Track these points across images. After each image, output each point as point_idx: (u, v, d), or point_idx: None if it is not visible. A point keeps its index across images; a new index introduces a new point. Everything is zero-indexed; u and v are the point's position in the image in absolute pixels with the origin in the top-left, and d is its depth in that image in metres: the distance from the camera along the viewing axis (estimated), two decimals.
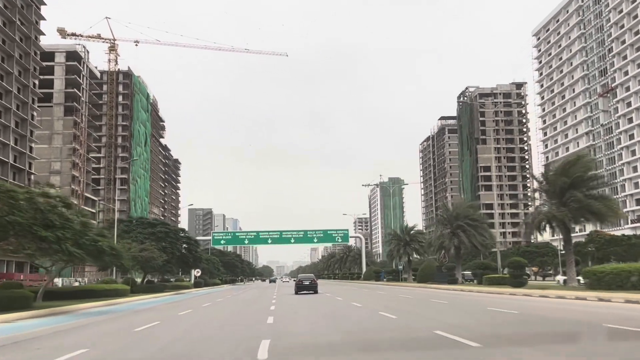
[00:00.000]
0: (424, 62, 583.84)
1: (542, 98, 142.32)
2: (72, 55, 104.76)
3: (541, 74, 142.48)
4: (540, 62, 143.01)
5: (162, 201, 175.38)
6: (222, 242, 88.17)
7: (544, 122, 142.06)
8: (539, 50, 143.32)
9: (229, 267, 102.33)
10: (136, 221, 49.20)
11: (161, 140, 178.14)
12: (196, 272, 69.08)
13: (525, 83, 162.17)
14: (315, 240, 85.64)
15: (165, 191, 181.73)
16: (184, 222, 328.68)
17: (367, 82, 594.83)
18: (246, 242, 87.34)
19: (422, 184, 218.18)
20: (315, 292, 40.64)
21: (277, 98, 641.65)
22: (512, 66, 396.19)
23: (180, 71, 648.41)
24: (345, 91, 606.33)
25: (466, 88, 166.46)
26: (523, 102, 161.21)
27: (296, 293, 40.85)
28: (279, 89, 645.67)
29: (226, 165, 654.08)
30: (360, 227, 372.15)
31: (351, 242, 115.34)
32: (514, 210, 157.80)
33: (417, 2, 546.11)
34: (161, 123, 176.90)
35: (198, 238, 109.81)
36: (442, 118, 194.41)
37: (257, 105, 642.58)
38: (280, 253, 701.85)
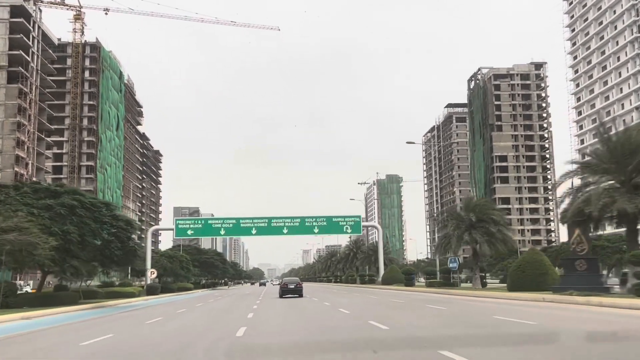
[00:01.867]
0: (425, 57, 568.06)
1: (576, 72, 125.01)
2: (19, 11, 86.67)
3: (574, 43, 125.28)
4: (573, 29, 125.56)
5: (139, 195, 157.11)
6: (190, 232, 62.80)
7: (578, 99, 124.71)
8: (572, 17, 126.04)
9: (207, 267, 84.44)
10: (28, 187, 31.38)
11: (139, 128, 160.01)
12: (151, 274, 51.30)
13: (545, 63, 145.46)
14: (316, 230, 62.50)
15: (144, 184, 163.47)
16: (167, 221, 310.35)
17: (366, 80, 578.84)
18: (222, 232, 62.23)
19: (425, 179, 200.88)
20: (300, 295, 40.95)
21: (274, 97, 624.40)
22: (527, 47, 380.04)
23: (174, 67, 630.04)
24: (344, 90, 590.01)
25: (478, 69, 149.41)
26: (543, 84, 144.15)
27: (280, 297, 40.97)
28: (275, 87, 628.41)
29: (219, 164, 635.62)
30: None
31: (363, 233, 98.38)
32: (533, 205, 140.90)
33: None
34: (139, 108, 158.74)
35: (159, 228, 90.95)
36: (449, 105, 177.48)
37: (253, 104, 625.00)
38: (272, 255, 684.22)
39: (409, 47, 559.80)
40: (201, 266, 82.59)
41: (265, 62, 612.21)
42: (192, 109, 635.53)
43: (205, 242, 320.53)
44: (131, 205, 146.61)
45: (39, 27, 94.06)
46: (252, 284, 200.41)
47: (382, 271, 66.69)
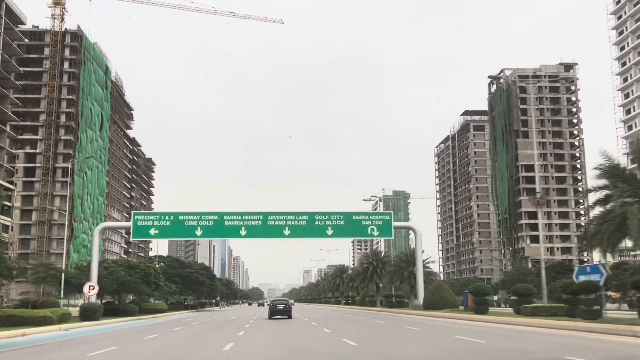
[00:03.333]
0: (437, 68, 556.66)
1: (624, 64, 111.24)
2: None
3: (621, 32, 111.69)
4: (619, 17, 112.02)
5: (127, 205, 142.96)
6: (153, 231, 46.02)
7: (626, 95, 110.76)
8: (617, 3, 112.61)
9: (190, 284, 69.69)
10: None
11: (129, 132, 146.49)
12: (89, 289, 36.67)
13: (576, 64, 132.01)
14: (330, 231, 45.15)
15: (132, 194, 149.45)
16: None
17: (371, 96, 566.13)
18: (199, 231, 44.93)
19: (438, 193, 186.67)
20: (290, 316, 40.92)
21: (276, 113, 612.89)
22: (553, 49, 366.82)
23: (177, 81, 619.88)
24: (349, 106, 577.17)
25: (501, 71, 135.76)
26: (574, 87, 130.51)
27: (270, 317, 40.42)
28: (280, 105, 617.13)
29: (219, 181, 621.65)
30: (359, 247, 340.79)
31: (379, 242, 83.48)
32: (563, 220, 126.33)
33: (427, 11, 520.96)
34: (128, 111, 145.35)
35: (110, 225, 76.57)
36: (466, 113, 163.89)
37: (256, 120, 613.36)
38: (273, 275, 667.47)
39: (418, 58, 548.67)
40: (183, 282, 68.19)
41: (269, 78, 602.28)
42: (192, 124, 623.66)
43: (202, 260, 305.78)
44: (117, 215, 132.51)
45: (5, 3, 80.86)
46: (250, 304, 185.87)
47: (421, 290, 48.87)
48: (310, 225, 45.32)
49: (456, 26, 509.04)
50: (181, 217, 46.06)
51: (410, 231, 59.55)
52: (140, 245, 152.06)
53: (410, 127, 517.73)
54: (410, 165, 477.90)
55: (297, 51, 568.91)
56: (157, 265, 63.48)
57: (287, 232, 44.28)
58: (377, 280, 67.96)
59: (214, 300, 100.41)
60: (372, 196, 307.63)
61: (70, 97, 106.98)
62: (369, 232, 46.94)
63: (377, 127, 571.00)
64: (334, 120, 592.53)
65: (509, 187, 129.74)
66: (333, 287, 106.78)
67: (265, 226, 44.92)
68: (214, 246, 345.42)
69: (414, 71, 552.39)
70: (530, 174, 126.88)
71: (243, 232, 44.32)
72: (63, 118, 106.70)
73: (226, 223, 44.75)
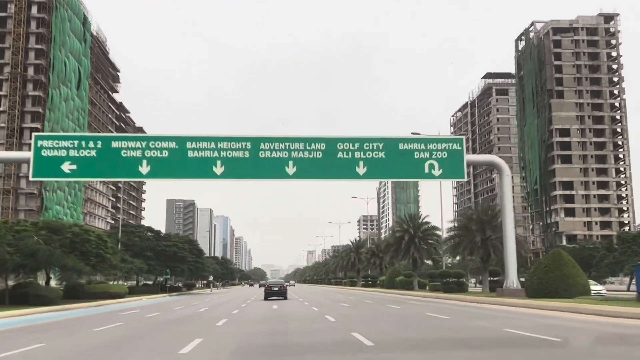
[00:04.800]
0: (447, 49, 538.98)
1: None
2: None
3: None
4: None
5: None
6: (68, 167, 28.07)
7: None
8: None
9: (167, 260, 55.37)
10: None
11: (115, 96, 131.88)
12: None
13: (617, 15, 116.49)
14: (362, 169, 27.31)
15: None
16: (158, 214, 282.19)
17: (383, 78, 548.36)
18: (144, 168, 26.63)
19: None
20: (285, 297, 40.96)
21: (287, 97, 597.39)
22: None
23: (183, 65, 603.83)
24: (360, 90, 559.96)
25: (531, 24, 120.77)
26: (615, 41, 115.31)
27: (265, 299, 40.32)
28: (289, 88, 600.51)
29: None
30: (365, 227, 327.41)
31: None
32: (602, 191, 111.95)
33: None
34: (114, 72, 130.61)
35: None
36: (487, 75, 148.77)
37: (264, 103, 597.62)
38: (277, 255, 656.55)
39: (435, 39, 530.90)
40: (157, 258, 54.20)
41: (277, 60, 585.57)
42: (200, 105, 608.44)
43: (203, 245, 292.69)
44: (100, 187, 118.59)
45: None
46: (251, 285, 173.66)
47: (513, 264, 32.04)
48: (329, 159, 27.33)
49: None
50: (115, 144, 27.63)
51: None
52: (131, 212, 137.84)
53: (421, 109, 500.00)
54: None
55: (308, 34, 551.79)
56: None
57: (291, 169, 26.80)
58: (415, 253, 51.24)
59: (206, 282, 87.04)
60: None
61: (39, 46, 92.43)
62: (427, 169, 28.42)
63: (386, 110, 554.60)
64: (343, 104, 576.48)
65: (540, 155, 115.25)
66: (346, 266, 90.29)
67: (255, 160, 27.15)
68: (214, 225, 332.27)
69: (429, 49, 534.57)
70: (566, 139, 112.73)
71: (219, 170, 26.66)
72: (31, 71, 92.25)
73: (191, 154, 26.77)
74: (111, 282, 45.49)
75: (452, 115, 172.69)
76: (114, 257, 36.74)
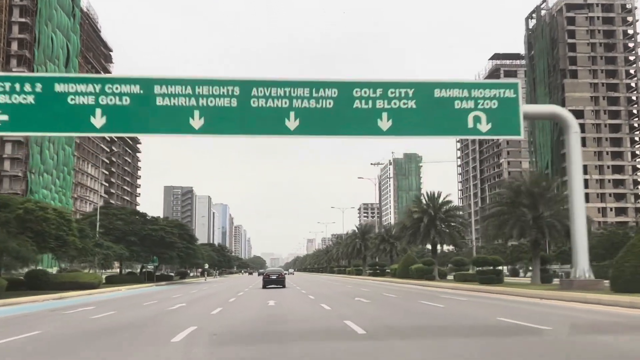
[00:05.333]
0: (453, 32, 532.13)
1: None
2: None
3: None
4: None
5: (106, 161, 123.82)
6: None
7: None
8: None
9: (153, 245, 49.90)
10: None
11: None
12: None
13: None
14: (386, 122, 19.93)
15: (114, 148, 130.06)
16: (156, 201, 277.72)
17: (382, 64, 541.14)
18: (98, 121, 19.40)
19: (459, 151, 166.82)
20: (283, 286, 40.82)
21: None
22: None
23: (184, 51, 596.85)
24: (359, 71, 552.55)
25: (543, 0, 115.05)
26: (631, 18, 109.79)
27: (264, 287, 40.10)
28: (286, 72, 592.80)
29: (220, 147, 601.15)
30: (366, 215, 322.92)
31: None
32: (617, 176, 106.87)
33: None
34: (107, 51, 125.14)
35: None
36: (495, 57, 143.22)
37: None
38: (277, 244, 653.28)
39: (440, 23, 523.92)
40: (142, 244, 49.41)
41: (276, 44, 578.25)
42: None
43: (202, 233, 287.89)
44: (92, 171, 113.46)
45: None
46: (250, 273, 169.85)
47: (582, 249, 25.80)
48: (342, 109, 20.55)
49: None
50: (59, 87, 20.46)
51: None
52: (125, 197, 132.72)
53: None
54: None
55: (305, 19, 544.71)
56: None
57: (292, 123, 20.34)
58: (436, 237, 44.86)
59: (201, 270, 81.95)
60: (378, 163, 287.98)
61: (23, 20, 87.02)
62: (470, 123, 21.67)
63: None
64: None
65: (552, 138, 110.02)
66: (351, 253, 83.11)
67: (245, 110, 20.38)
68: (213, 213, 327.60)
69: (429, 36, 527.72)
70: (579, 120, 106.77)
71: (197, 122, 20.07)
72: (15, 46, 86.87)
73: (160, 102, 20.10)
74: (87, 271, 40.37)
75: None
76: (85, 241, 31.63)
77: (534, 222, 34.14)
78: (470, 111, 19.95)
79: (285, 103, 18.52)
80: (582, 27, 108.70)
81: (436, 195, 46.48)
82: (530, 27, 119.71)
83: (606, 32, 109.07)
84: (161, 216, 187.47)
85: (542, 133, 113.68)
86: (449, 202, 46.38)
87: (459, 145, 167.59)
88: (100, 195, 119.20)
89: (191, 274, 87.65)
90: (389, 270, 60.70)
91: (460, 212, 47.85)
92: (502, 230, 35.31)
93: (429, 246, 50.50)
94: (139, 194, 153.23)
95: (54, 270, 45.29)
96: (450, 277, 48.11)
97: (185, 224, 62.83)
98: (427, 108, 19.13)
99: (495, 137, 27.10)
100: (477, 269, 37.04)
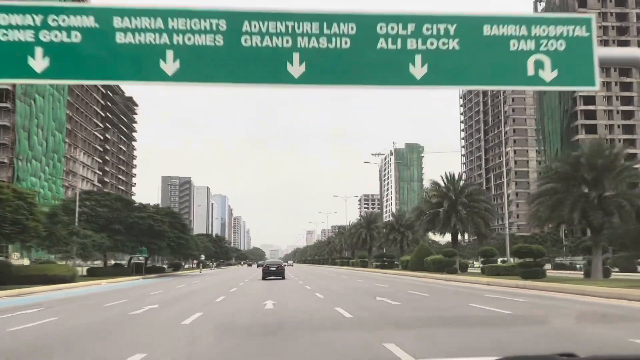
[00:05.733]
0: None
1: None
2: None
3: None
4: None
5: (100, 149, 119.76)
6: None
7: None
8: None
9: (140, 234, 47.04)
10: None
11: None
12: None
13: None
14: (419, 69, 8.12)
15: (107, 136, 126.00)
16: (152, 192, 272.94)
17: None
18: (38, 63, 6.65)
19: (464, 140, 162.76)
20: (283, 277, 40.95)
21: None
22: None
23: None
24: None
25: None
26: None
27: (263, 279, 40.29)
28: None
29: (217, 137, 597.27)
30: (367, 206, 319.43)
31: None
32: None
33: None
34: None
35: None
36: None
37: None
38: (277, 235, 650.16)
39: None
40: (128, 233, 46.73)
41: None
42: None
43: (200, 224, 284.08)
44: (85, 159, 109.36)
45: None
46: (249, 265, 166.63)
47: None
48: (363, 51, 9.90)
49: None
50: None
51: None
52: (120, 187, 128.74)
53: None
54: (427, 120, 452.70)
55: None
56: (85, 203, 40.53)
57: (296, 67, 12.37)
58: (458, 225, 39.93)
59: (195, 262, 78.03)
60: (379, 153, 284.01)
61: None
62: (531, 70, 9.48)
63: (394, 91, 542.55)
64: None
65: (562, 125, 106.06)
66: (356, 244, 77.67)
67: (234, 50, 9.77)
68: (212, 204, 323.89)
69: None
70: (590, 107, 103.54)
71: (171, 66, 9.18)
72: None
73: (121, 39, 9.08)
74: (66, 263, 36.33)
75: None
76: (55, 228, 27.75)
77: (599, 202, 28.83)
78: (530, 54, 14.73)
79: (287, 42, 13.27)
80: (593, 9, 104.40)
81: (456, 177, 42.09)
82: (539, 10, 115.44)
83: (619, 15, 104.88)
84: (160, 200, 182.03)
85: (550, 121, 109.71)
86: (472, 184, 42.16)
87: (463, 134, 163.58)
88: (94, 184, 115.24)
89: (186, 266, 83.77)
90: (397, 263, 56.84)
91: (484, 197, 43.16)
92: (558, 211, 29.69)
93: (445, 237, 46.23)
94: (135, 183, 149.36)
95: (25, 261, 41.47)
96: (471, 269, 44.03)
97: (177, 212, 58.64)
98: (473, 50, 14.03)
99: (562, 89, 20.88)
100: (519, 260, 31.72)
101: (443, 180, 42.78)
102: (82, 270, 42.04)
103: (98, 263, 52.61)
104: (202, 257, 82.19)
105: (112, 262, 55.12)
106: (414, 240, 53.73)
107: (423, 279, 35.78)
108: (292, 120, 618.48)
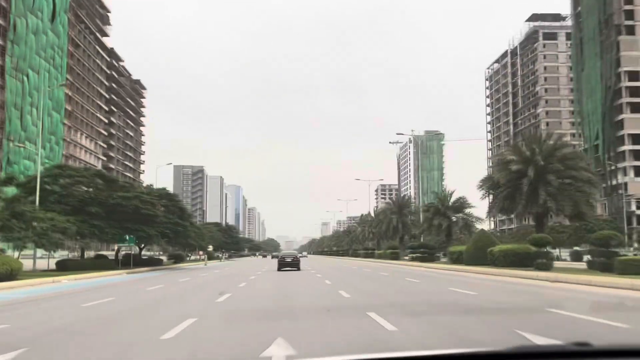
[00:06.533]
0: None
1: None
2: None
3: None
4: None
5: (104, 133, 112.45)
6: None
7: None
8: None
9: (123, 220, 36.45)
10: None
11: (105, 40, 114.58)
12: None
13: None
14: None
15: (113, 120, 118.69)
16: (164, 182, 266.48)
17: (404, 43, 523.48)
18: None
19: (489, 125, 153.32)
20: (298, 268, 40.75)
21: (301, 57, 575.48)
22: None
23: (197, 19, 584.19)
24: (379, 55, 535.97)
25: None
26: None
27: (278, 270, 40.06)
28: (304, 48, 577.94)
29: (231, 127, 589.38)
30: (384, 196, 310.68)
31: None
32: None
33: None
34: (104, 12, 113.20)
35: None
36: (533, 18, 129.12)
37: (277, 67, 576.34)
38: (291, 227, 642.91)
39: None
40: (110, 217, 36.11)
41: (294, 16, 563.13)
42: (209, 70, 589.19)
43: (214, 213, 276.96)
44: (87, 143, 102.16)
45: None
46: (264, 256, 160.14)
47: None
48: None
49: None
50: None
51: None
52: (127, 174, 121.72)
53: (445, 72, 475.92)
54: (446, 109, 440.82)
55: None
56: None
57: None
58: (549, 201, 29.83)
59: (201, 253, 69.32)
60: (397, 135, 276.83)
61: None
62: None
63: (409, 78, 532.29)
64: (362, 69, 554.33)
65: (604, 104, 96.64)
66: (385, 232, 66.17)
67: None
68: (225, 194, 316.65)
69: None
70: (636, 83, 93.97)
71: None
72: None
73: None
74: (14, 253, 28.46)
75: (488, 68, 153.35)
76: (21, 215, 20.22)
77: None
78: None
79: None
80: None
81: (544, 136, 32.50)
82: None
83: None
84: (172, 188, 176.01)
85: (590, 100, 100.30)
86: (566, 144, 32.50)
87: (489, 118, 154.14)
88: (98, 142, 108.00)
89: (192, 257, 75.51)
90: (440, 255, 47.75)
91: (584, 163, 33.09)
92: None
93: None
94: (143, 171, 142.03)
95: None
96: (560, 264, 34.05)
97: (173, 194, 50.37)
98: None
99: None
100: None
101: (522, 144, 32.86)
102: (50, 264, 34.32)
103: (75, 255, 44.86)
104: (210, 248, 74.27)
105: (96, 252, 47.37)
106: (464, 227, 44.26)
107: (511, 278, 24.51)
108: (308, 110, 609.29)
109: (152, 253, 65.86)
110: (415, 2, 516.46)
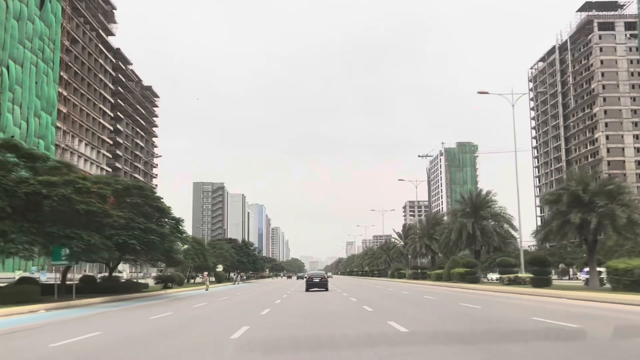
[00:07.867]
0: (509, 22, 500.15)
1: None
2: None
3: None
4: None
5: (109, 141, 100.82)
6: None
7: None
8: None
9: (52, 219, 24.57)
10: None
11: (110, 39, 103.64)
12: None
13: None
14: None
15: (119, 127, 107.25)
16: (183, 199, 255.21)
17: (433, 60, 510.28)
18: None
19: (536, 130, 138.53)
20: (326, 289, 40.90)
21: (329, 81, 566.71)
22: None
23: (219, 43, 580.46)
24: (407, 73, 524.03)
25: None
26: None
27: (306, 290, 40.58)
28: (334, 69, 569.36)
29: (254, 145, 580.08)
30: (412, 213, 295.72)
31: None
32: None
33: None
34: (107, 7, 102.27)
35: None
36: (585, 7, 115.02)
37: (306, 88, 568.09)
38: (314, 246, 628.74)
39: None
40: (23, 215, 19.87)
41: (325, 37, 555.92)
42: (237, 91, 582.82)
43: (235, 232, 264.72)
44: (87, 151, 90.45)
45: None
46: (289, 277, 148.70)
47: None
48: None
49: None
50: None
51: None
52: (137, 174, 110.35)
53: (479, 82, 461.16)
54: (479, 122, 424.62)
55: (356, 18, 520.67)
56: None
57: None
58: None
59: (206, 274, 54.56)
60: (426, 155, 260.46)
61: None
62: None
63: (437, 95, 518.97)
64: (390, 87, 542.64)
65: None
66: (455, 243, 48.34)
67: None
68: (247, 213, 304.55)
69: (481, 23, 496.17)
70: None
71: None
72: None
73: None
74: None
75: (531, 68, 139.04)
76: None
77: None
78: None
79: None
80: None
81: None
82: None
83: None
84: (190, 215, 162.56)
85: None
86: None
87: (533, 123, 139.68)
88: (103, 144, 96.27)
89: (195, 280, 61.22)
90: (546, 277, 31.90)
91: None
92: None
93: None
94: (156, 185, 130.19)
95: None
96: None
97: (147, 185, 37.33)
98: None
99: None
100: None
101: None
102: None
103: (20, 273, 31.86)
104: (220, 268, 60.96)
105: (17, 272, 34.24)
106: (629, 224, 28.33)
107: None
108: (332, 129, 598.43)
109: (137, 272, 52.24)
110: (443, 13, 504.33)
